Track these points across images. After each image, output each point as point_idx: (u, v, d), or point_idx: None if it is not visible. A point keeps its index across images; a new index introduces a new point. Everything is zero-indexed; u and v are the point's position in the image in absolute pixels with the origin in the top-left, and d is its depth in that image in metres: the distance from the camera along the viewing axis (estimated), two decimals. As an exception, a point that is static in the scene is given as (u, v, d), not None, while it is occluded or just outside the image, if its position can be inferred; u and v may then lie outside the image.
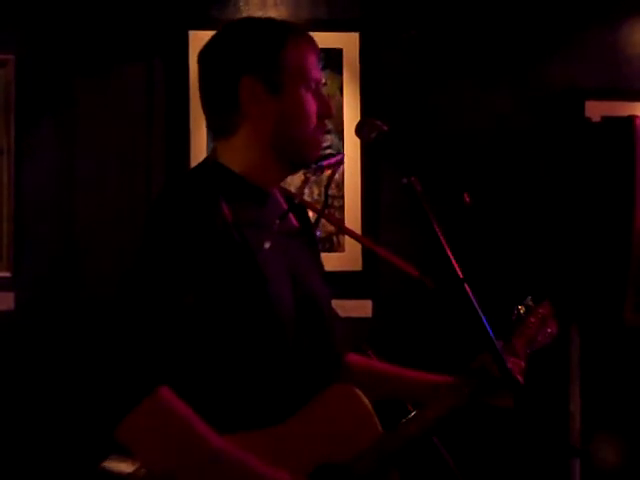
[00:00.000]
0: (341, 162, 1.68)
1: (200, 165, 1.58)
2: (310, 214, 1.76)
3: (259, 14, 3.20)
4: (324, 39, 3.18)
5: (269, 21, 1.59)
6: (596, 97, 3.22)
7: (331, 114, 1.57)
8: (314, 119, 1.53)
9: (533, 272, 3.15)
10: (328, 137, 3.19)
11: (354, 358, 1.78)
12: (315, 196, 3.14)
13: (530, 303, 1.73)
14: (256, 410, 1.44)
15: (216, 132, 1.58)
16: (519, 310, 1.71)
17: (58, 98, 3.13)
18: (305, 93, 1.52)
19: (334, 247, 3.12)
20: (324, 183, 3.00)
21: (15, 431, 3.02)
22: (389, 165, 1.46)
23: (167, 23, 3.14)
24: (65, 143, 3.13)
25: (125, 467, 1.56)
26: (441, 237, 1.34)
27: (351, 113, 3.18)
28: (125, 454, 1.47)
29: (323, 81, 1.59)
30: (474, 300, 1.28)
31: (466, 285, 1.30)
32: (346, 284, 2.79)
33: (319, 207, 1.66)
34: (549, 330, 1.73)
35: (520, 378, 1.60)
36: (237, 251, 1.43)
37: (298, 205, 1.67)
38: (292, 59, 1.51)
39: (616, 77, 3.29)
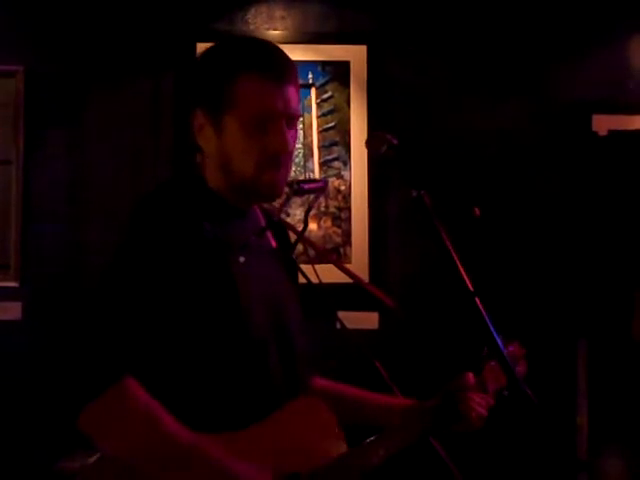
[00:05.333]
0: (322, 190, 1.65)
1: (185, 176, 1.58)
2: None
3: (266, 27, 3.22)
4: (332, 52, 3.20)
5: (227, 50, 1.51)
6: (603, 111, 3.23)
7: (284, 151, 1.47)
8: (257, 161, 1.46)
9: (542, 286, 3.15)
10: (335, 149, 3.20)
11: (320, 382, 1.78)
12: (322, 208, 3.15)
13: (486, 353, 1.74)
14: (218, 413, 1.45)
15: (189, 151, 1.60)
16: (487, 351, 1.72)
17: (67, 109, 3.15)
18: (246, 132, 1.46)
19: (341, 259, 3.13)
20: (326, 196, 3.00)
21: (23, 437, 3.02)
22: (398, 178, 1.46)
23: (176, 36, 3.16)
24: (73, 154, 3.15)
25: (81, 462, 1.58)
26: (451, 250, 1.34)
27: (358, 125, 3.19)
28: (84, 451, 1.49)
29: (287, 111, 1.48)
30: (484, 313, 1.28)
31: (477, 299, 1.30)
32: (352, 296, 2.78)
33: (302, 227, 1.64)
34: (518, 369, 1.74)
35: (486, 415, 1.62)
36: (213, 264, 1.44)
37: (278, 224, 1.67)
38: (236, 94, 1.46)
39: (623, 91, 3.29)
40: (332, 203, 3.18)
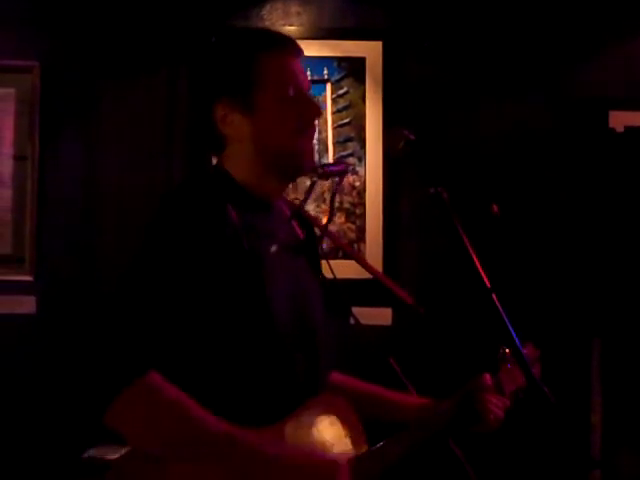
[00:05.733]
0: (345, 172, 1.66)
1: (208, 171, 1.60)
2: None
3: (282, 22, 3.22)
4: (347, 48, 3.19)
5: (239, 39, 1.58)
6: (620, 107, 3.21)
7: (318, 113, 1.56)
8: (294, 127, 1.52)
9: (556, 284, 3.14)
10: (350, 145, 3.20)
11: (338, 377, 1.78)
12: (337, 203, 3.15)
13: (506, 351, 1.73)
14: (243, 408, 1.44)
15: (210, 149, 1.60)
16: (504, 349, 1.72)
17: (82, 105, 3.16)
18: (282, 104, 1.52)
19: (325, 255, 3.11)
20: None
21: (37, 431, 3.04)
22: (415, 174, 1.46)
23: (191, 32, 3.16)
24: (88, 150, 3.16)
25: (111, 454, 1.58)
26: (469, 246, 1.34)
27: (373, 121, 3.18)
28: (113, 442, 1.48)
29: (307, 84, 1.57)
30: (501, 310, 1.28)
31: (494, 295, 1.29)
32: (366, 292, 2.77)
33: (324, 220, 1.65)
34: (532, 371, 1.73)
35: (502, 417, 1.62)
36: (243, 256, 1.44)
37: (302, 216, 1.68)
38: (264, 73, 1.52)
39: (640, 87, 3.28)
40: (346, 199, 3.18)
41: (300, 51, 1.58)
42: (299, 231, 1.66)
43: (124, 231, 3.14)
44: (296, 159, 1.54)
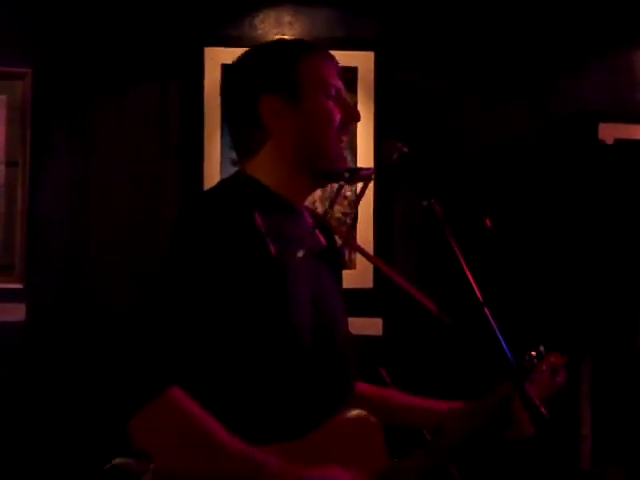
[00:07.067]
0: (371, 177, 1.66)
1: (232, 177, 1.59)
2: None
3: (274, 32, 3.22)
4: (339, 57, 3.12)
5: (284, 41, 1.68)
6: (609, 120, 3.23)
7: (357, 117, 1.59)
8: (335, 126, 1.55)
9: (546, 296, 3.15)
10: (341, 155, 3.20)
11: (365, 387, 1.78)
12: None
13: (542, 350, 1.72)
14: (270, 421, 1.43)
15: (241, 152, 1.60)
16: (531, 356, 1.70)
17: (74, 112, 3.15)
18: (325, 100, 1.55)
19: (345, 264, 3.12)
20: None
21: (27, 440, 3.02)
22: (406, 187, 1.46)
23: (183, 41, 3.16)
24: (80, 157, 3.15)
25: (136, 466, 1.57)
26: (461, 260, 1.34)
27: (365, 131, 3.18)
28: (131, 455, 1.47)
29: (343, 90, 1.60)
30: (494, 324, 1.28)
31: (486, 309, 1.30)
32: (357, 302, 2.77)
33: (344, 230, 1.65)
34: (558, 380, 1.72)
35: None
36: (268, 265, 1.44)
37: (324, 225, 1.68)
38: (307, 70, 1.55)
39: (630, 100, 3.30)
40: (338, 208, 3.18)
41: (337, 61, 1.62)
42: (322, 238, 1.66)
43: (114, 239, 3.13)
44: (330, 159, 1.56)
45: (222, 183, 1.58)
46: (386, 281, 3.12)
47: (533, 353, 1.70)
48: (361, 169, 1.69)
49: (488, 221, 1.41)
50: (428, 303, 1.68)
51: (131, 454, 1.42)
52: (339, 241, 1.73)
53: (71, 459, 2.98)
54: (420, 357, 3.12)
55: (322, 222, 1.66)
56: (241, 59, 1.61)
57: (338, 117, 1.56)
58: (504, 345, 1.28)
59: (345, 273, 1.77)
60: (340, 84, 1.59)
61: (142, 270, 3.00)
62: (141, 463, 1.44)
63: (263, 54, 1.60)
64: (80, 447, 2.96)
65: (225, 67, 3.13)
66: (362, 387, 1.77)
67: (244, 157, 1.59)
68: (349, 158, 3.11)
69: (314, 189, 1.65)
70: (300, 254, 1.49)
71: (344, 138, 1.58)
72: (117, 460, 1.93)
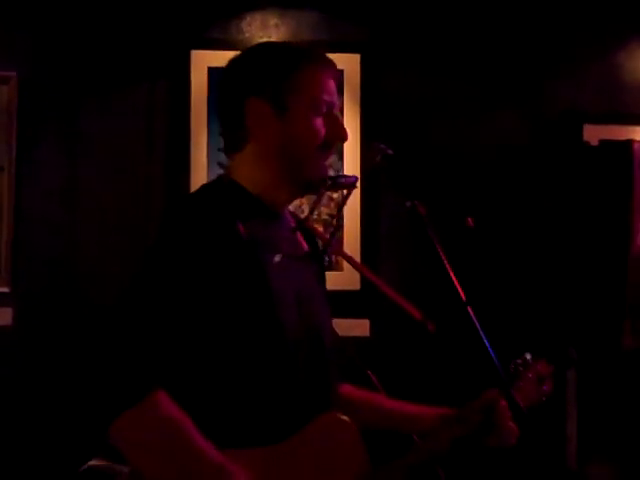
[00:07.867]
0: (354, 184, 1.66)
1: (215, 181, 1.59)
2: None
3: (260, 35, 3.23)
4: (325, 60, 3.21)
5: (287, 45, 1.66)
6: (594, 121, 3.25)
7: (344, 137, 1.58)
8: (318, 142, 1.53)
9: (531, 295, 3.16)
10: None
11: (349, 389, 1.78)
12: (314, 215, 3.15)
13: (528, 358, 1.72)
14: (252, 424, 1.43)
15: (227, 148, 1.61)
16: (517, 364, 1.70)
17: (60, 116, 3.14)
18: (313, 116, 1.53)
19: (332, 266, 3.13)
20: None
21: (15, 444, 3.01)
22: (391, 189, 1.47)
23: (170, 44, 3.16)
24: (66, 161, 3.14)
25: (111, 469, 1.56)
26: (444, 260, 1.35)
27: (351, 134, 3.08)
28: (109, 456, 1.46)
29: (337, 105, 1.59)
30: (477, 324, 1.29)
31: (469, 308, 1.30)
32: (344, 303, 2.78)
33: (327, 235, 1.65)
34: (545, 388, 1.72)
35: (517, 432, 1.59)
36: (248, 268, 1.44)
37: (306, 228, 1.68)
38: (303, 82, 1.54)
39: (614, 101, 3.32)
40: (324, 210, 3.19)
41: (338, 73, 1.61)
42: (303, 242, 1.66)
43: (102, 242, 3.13)
44: (309, 170, 1.54)
45: (205, 187, 1.57)
46: (372, 285, 3.13)
47: (519, 361, 1.70)
48: (344, 177, 1.69)
49: (470, 221, 1.42)
50: (412, 310, 1.68)
51: (108, 456, 1.41)
52: (321, 245, 1.73)
53: (50, 461, 2.97)
54: (407, 358, 3.13)
55: (303, 226, 1.66)
56: (243, 55, 1.60)
57: (323, 135, 1.54)
58: (490, 349, 1.28)
59: (332, 275, 1.78)
60: (334, 99, 1.57)
61: (129, 274, 2.99)
62: (117, 466, 1.44)
63: (264, 55, 1.59)
64: (61, 449, 2.95)
65: (211, 70, 3.15)
66: (349, 390, 1.77)
67: (227, 153, 1.60)
68: (336, 160, 3.16)
69: (296, 197, 1.63)
70: (277, 258, 1.48)
71: (330, 156, 1.58)
72: (92, 462, 1.93)
